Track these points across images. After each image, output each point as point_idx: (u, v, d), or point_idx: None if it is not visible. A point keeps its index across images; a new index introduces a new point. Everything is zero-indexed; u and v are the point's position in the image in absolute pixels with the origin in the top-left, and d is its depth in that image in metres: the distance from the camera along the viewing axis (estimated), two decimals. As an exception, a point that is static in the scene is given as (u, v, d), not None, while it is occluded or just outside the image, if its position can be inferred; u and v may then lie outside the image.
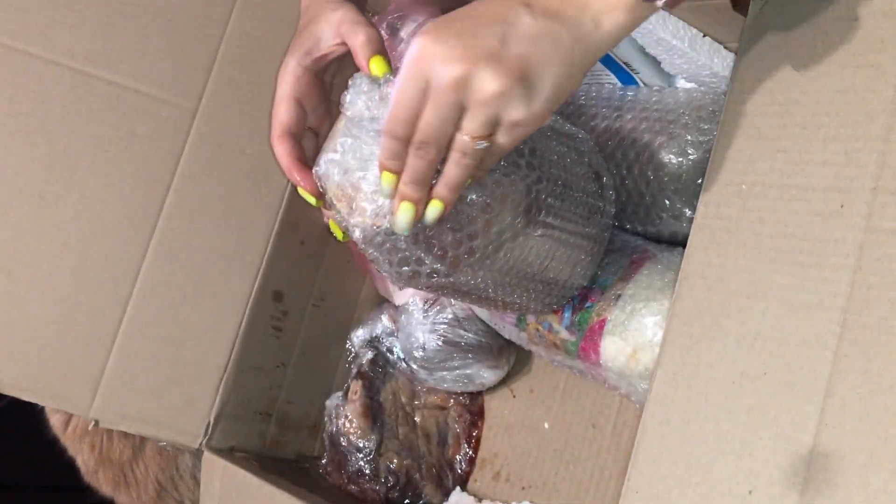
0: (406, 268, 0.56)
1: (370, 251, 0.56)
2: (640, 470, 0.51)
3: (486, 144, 0.47)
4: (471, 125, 0.46)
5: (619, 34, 0.46)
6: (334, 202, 0.56)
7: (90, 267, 0.79)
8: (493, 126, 0.46)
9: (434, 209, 0.51)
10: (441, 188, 0.50)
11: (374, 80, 0.54)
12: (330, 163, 0.55)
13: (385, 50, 0.55)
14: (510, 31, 0.44)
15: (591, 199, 0.65)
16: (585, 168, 0.65)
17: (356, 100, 0.54)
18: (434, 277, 0.57)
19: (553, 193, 0.60)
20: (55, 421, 0.92)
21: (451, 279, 0.58)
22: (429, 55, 0.45)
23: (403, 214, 0.51)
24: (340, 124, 0.55)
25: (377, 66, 0.54)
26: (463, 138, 0.47)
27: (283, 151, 0.57)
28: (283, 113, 0.57)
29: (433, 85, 0.45)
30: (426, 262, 0.55)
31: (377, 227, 0.54)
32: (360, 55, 0.54)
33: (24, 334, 0.78)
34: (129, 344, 0.80)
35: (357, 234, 0.55)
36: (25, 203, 0.78)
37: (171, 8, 0.81)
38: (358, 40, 0.54)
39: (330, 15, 0.56)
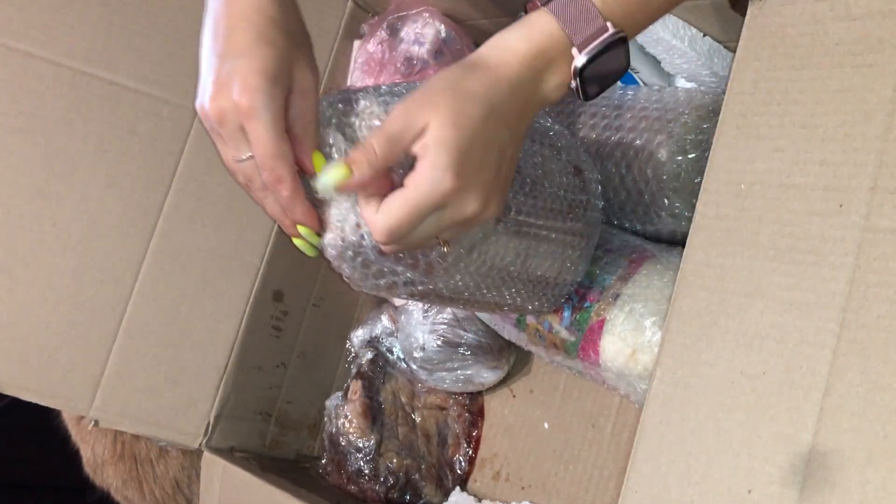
0: (382, 280, 0.55)
1: (344, 267, 0.55)
2: (639, 470, 0.51)
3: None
4: (446, 235, 0.51)
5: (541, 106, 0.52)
6: None
7: (90, 267, 0.79)
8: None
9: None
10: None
11: (350, 110, 0.52)
12: None
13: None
14: (502, 160, 0.49)
15: (570, 194, 0.65)
16: (562, 164, 0.65)
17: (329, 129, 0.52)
18: (412, 286, 0.57)
19: (523, 191, 0.60)
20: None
21: (430, 286, 0.58)
22: (451, 192, 0.47)
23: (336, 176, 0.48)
24: None
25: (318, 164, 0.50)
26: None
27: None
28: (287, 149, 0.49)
29: (449, 210, 0.48)
30: (399, 272, 0.55)
31: (345, 242, 0.52)
32: (302, 147, 0.49)
33: (24, 334, 0.78)
34: (129, 344, 0.80)
35: (329, 251, 0.54)
36: (26, 202, 0.78)
37: (171, 8, 0.81)
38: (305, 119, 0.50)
39: (300, 71, 0.50)
